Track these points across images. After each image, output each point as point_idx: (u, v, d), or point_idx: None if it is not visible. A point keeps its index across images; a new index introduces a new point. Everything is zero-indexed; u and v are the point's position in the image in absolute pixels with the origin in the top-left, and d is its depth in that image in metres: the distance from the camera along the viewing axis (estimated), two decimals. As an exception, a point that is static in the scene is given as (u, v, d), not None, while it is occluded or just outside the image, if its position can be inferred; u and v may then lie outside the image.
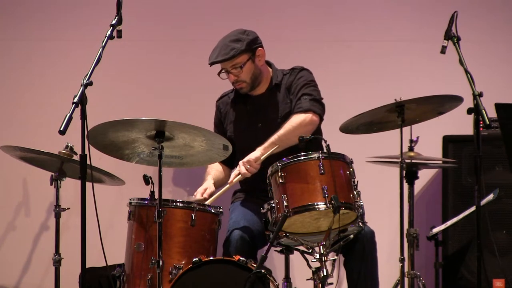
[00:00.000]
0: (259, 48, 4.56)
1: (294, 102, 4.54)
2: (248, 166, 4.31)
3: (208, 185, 4.54)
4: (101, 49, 3.67)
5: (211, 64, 4.51)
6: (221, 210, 4.23)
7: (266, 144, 4.38)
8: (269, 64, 4.68)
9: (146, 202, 4.08)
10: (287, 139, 4.38)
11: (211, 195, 4.47)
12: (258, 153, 4.35)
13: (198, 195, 4.47)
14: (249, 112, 4.66)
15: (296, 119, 4.44)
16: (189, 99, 5.26)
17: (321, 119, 4.53)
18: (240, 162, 4.34)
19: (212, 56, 4.51)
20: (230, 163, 4.63)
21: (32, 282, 5.25)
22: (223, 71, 4.56)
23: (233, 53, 4.48)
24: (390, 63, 5.33)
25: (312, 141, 4.10)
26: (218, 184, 4.64)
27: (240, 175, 4.34)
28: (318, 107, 4.50)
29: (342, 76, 5.32)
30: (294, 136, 4.29)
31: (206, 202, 4.30)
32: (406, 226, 4.41)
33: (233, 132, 4.66)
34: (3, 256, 5.26)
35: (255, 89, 4.62)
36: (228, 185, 4.39)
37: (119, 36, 3.75)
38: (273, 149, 4.36)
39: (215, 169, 4.69)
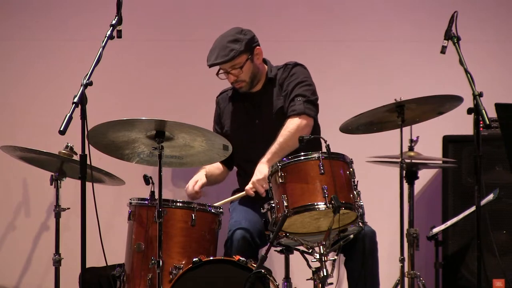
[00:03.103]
0: (257, 47, 4.56)
1: (288, 103, 4.51)
2: (264, 184, 4.28)
3: (199, 177, 4.57)
4: (101, 49, 3.68)
5: (210, 66, 4.50)
6: (221, 210, 4.23)
7: (269, 155, 4.35)
8: (264, 61, 4.67)
9: (146, 202, 4.08)
10: (288, 146, 4.36)
11: (202, 187, 4.52)
12: (266, 168, 4.29)
13: (189, 187, 4.51)
14: (246, 108, 4.66)
15: (292, 124, 4.42)
16: (189, 99, 5.26)
17: (315, 120, 4.52)
18: (255, 181, 4.30)
19: (211, 58, 4.50)
20: (226, 160, 4.55)
21: (32, 282, 5.25)
22: (221, 71, 4.56)
23: (232, 55, 4.46)
24: (390, 63, 5.33)
25: (312, 140, 4.09)
26: (211, 178, 4.66)
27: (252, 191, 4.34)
28: (311, 109, 4.48)
29: (342, 76, 5.31)
30: (294, 142, 4.28)
31: (216, 204, 4.30)
32: (406, 226, 4.41)
33: (230, 127, 4.65)
34: (3, 256, 5.25)
35: (254, 87, 4.63)
36: (243, 193, 4.39)
37: (119, 36, 3.75)
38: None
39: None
